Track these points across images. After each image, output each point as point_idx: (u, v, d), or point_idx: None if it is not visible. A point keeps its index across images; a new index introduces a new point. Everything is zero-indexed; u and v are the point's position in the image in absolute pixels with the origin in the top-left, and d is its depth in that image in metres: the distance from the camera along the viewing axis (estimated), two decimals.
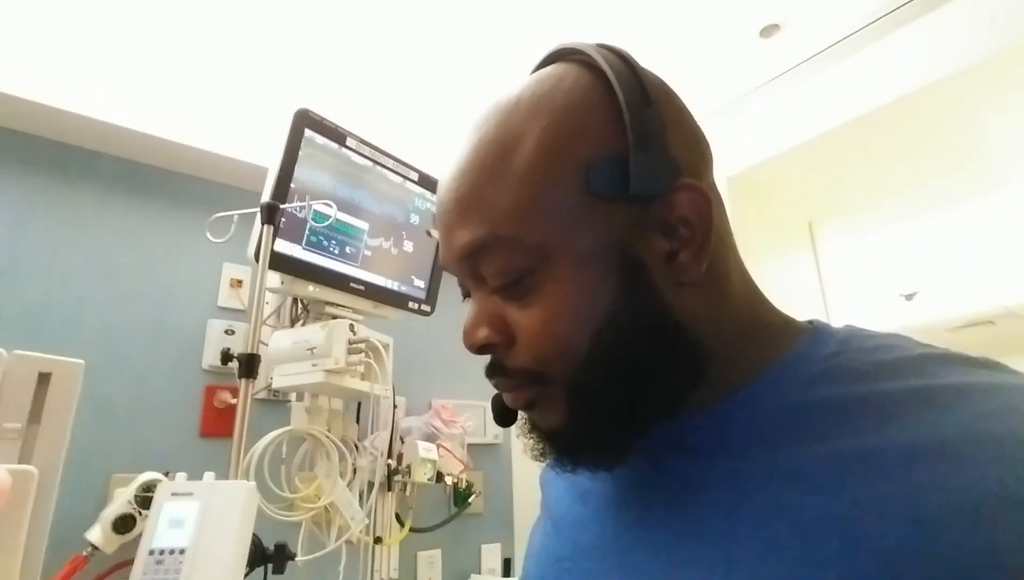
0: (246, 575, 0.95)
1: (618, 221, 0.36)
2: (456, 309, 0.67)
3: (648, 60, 0.41)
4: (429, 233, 1.48)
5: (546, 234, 0.36)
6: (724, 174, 1.77)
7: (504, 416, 0.42)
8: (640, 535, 0.38)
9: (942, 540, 0.26)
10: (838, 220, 2.36)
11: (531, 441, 0.41)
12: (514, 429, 0.43)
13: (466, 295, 0.42)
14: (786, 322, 0.41)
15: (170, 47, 1.39)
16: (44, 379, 0.79)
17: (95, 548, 1.08)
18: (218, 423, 1.42)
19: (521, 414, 0.42)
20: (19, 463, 0.73)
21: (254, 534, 0.99)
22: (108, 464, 1.25)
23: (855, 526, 0.28)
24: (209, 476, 1.00)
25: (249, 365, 1.05)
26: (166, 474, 1.16)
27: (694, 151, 0.39)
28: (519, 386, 0.39)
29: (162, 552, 0.90)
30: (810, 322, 0.41)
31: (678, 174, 0.36)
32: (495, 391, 0.43)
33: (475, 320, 0.39)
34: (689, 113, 0.41)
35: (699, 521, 0.34)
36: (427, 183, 1.49)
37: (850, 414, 0.32)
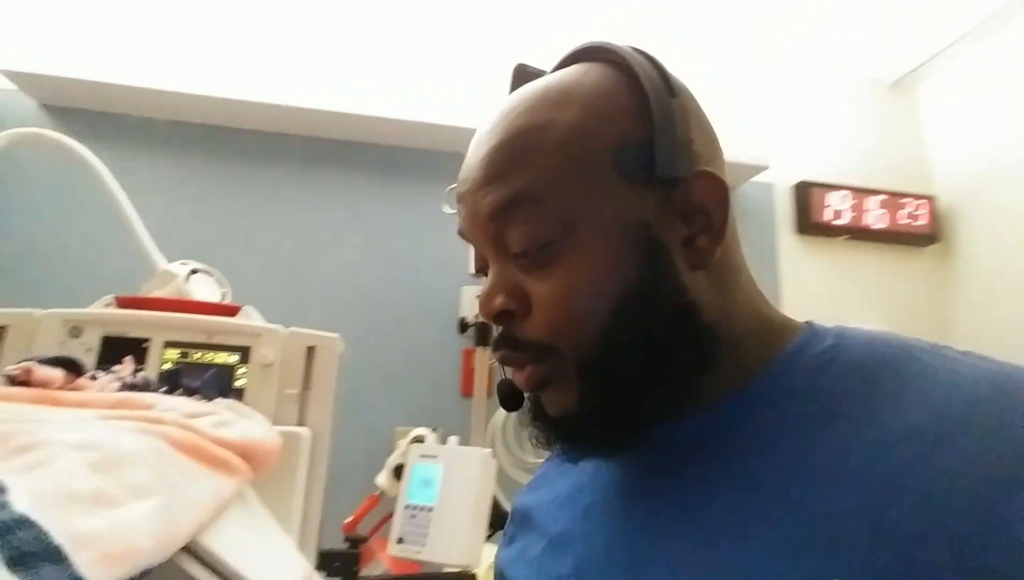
0: (488, 537, 0.98)
1: (641, 202, 0.37)
2: None
3: None
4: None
5: (574, 203, 0.37)
6: None
7: (510, 400, 0.43)
8: (652, 544, 0.37)
9: (955, 525, 0.26)
10: None
11: (536, 429, 0.41)
12: None
13: (479, 270, 0.42)
14: (785, 319, 0.41)
15: (413, 38, 1.48)
16: (311, 352, 0.91)
17: (383, 491, 1.24)
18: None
19: (526, 402, 0.42)
20: (297, 425, 0.86)
21: (495, 498, 1.01)
22: (390, 418, 1.44)
23: (871, 518, 0.28)
24: (452, 441, 1.05)
25: (483, 333, 1.07)
26: (435, 429, 1.28)
27: (711, 146, 0.41)
28: (530, 361, 0.38)
29: (415, 508, 0.98)
30: (807, 322, 0.42)
31: (698, 163, 0.38)
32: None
33: (492, 288, 0.39)
34: (705, 114, 0.43)
35: (712, 525, 0.34)
36: None
37: (853, 405, 0.33)
